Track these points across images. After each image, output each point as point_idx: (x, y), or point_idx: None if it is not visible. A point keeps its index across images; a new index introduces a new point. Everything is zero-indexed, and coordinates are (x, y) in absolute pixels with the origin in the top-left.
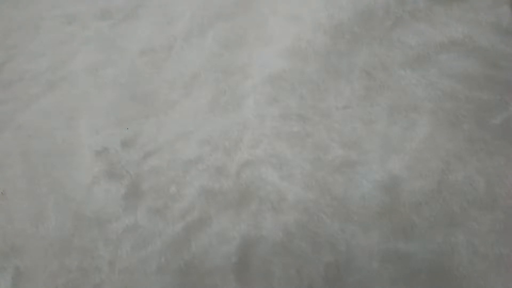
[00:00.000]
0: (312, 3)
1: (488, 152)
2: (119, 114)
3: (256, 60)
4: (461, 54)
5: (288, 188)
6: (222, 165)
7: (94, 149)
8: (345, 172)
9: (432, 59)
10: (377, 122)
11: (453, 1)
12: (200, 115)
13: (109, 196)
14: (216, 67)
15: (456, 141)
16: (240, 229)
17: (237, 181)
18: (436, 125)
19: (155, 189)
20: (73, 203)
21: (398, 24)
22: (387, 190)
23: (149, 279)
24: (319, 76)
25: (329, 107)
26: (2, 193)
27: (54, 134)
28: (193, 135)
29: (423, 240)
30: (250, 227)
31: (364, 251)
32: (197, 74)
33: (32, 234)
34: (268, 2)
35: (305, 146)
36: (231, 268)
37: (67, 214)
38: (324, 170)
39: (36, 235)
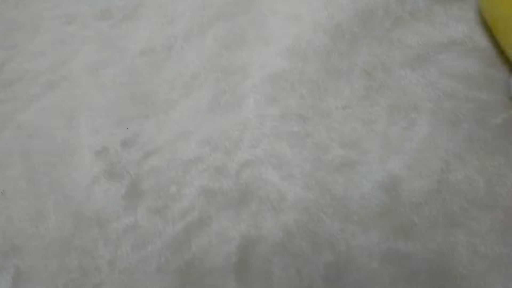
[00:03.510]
0: (312, 3)
1: (488, 152)
2: (119, 114)
3: (256, 60)
4: (461, 54)
5: (288, 188)
6: (222, 165)
7: (94, 149)
8: (345, 172)
9: (432, 59)
10: (377, 122)
11: (453, 1)
12: (200, 115)
13: (109, 196)
14: (216, 67)
15: (456, 141)
16: (240, 229)
17: (237, 181)
18: (436, 125)
19: (155, 189)
20: (73, 203)
21: (398, 24)
22: (387, 190)
23: (149, 279)
24: (319, 76)
25: (329, 107)
26: (2, 193)
27: (54, 134)
28: (193, 135)
29: (423, 240)
30: (250, 227)
31: (364, 251)
32: (197, 74)
33: (32, 234)
34: (268, 2)
35: (305, 146)
36: (231, 268)
37: (67, 214)
38: (324, 170)
39: (36, 235)
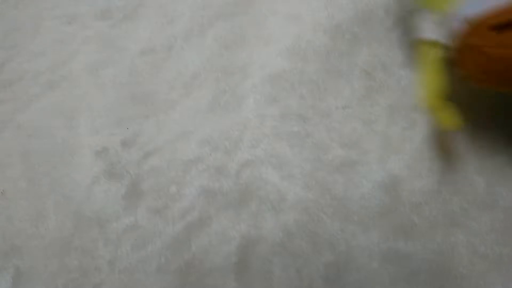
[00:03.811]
0: (312, 3)
1: (488, 151)
2: (119, 114)
3: (256, 60)
4: None
5: (288, 188)
6: (222, 165)
7: (94, 149)
8: (345, 172)
9: None
10: (377, 122)
11: None
12: (200, 115)
13: (109, 196)
14: (216, 67)
15: (455, 140)
16: (240, 229)
17: (237, 181)
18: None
19: (155, 189)
20: (73, 203)
21: (398, 24)
22: (387, 190)
23: (149, 279)
24: (319, 76)
25: (329, 107)
26: (2, 193)
27: (54, 134)
28: (193, 135)
29: (423, 240)
30: (250, 227)
31: (364, 251)
32: (197, 74)
33: (32, 234)
34: (268, 2)
35: (305, 146)
36: (231, 268)
37: (67, 214)
38: (324, 170)
39: (36, 235)
